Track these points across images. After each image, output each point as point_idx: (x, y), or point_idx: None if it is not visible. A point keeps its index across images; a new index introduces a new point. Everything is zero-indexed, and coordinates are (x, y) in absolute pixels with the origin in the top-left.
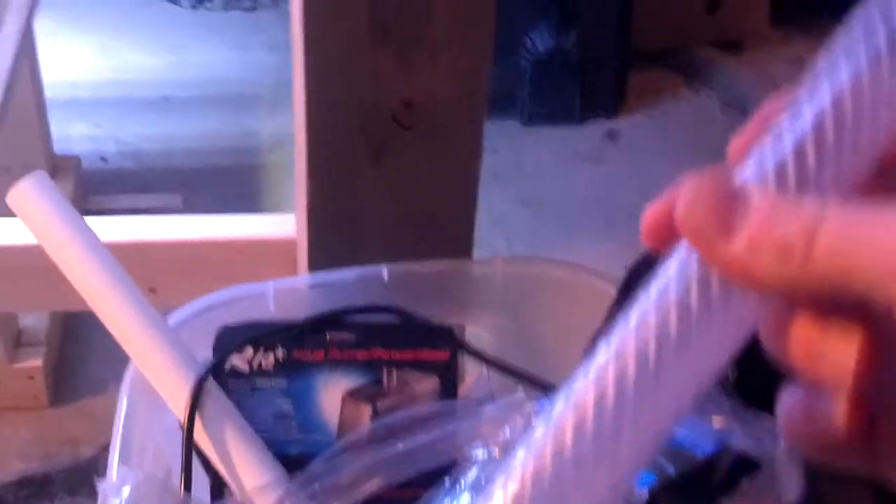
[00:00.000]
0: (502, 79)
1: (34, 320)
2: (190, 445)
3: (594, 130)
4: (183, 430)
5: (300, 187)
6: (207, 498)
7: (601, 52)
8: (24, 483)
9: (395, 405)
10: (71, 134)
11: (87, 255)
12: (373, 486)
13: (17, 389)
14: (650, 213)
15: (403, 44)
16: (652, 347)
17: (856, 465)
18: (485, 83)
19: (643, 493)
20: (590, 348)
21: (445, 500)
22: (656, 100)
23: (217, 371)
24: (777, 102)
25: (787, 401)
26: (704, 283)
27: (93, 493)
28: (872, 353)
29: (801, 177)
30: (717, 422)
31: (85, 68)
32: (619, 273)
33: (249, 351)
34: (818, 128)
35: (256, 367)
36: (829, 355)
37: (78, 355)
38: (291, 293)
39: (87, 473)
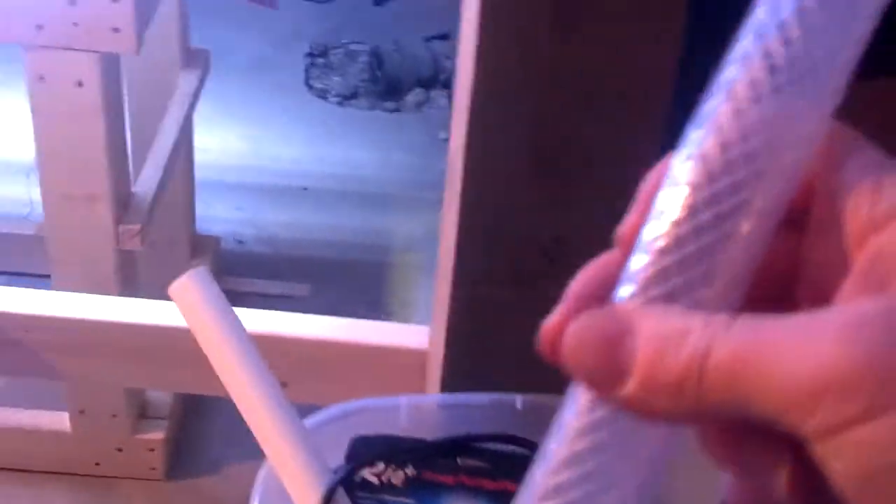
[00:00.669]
0: None
1: (160, 394)
2: None
3: None
4: None
5: (440, 303)
6: None
7: None
8: None
9: None
10: (212, 214)
11: (236, 352)
12: None
13: (137, 460)
14: (546, 332)
15: (565, 181)
16: None
17: None
18: None
19: None
20: None
21: None
22: None
23: (348, 481)
24: (656, 178)
25: (732, 484)
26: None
27: None
28: (803, 469)
29: (673, 290)
30: None
31: (232, 153)
32: None
33: (380, 465)
34: (679, 240)
35: (386, 481)
36: (758, 470)
37: (197, 432)
38: (424, 410)
39: None
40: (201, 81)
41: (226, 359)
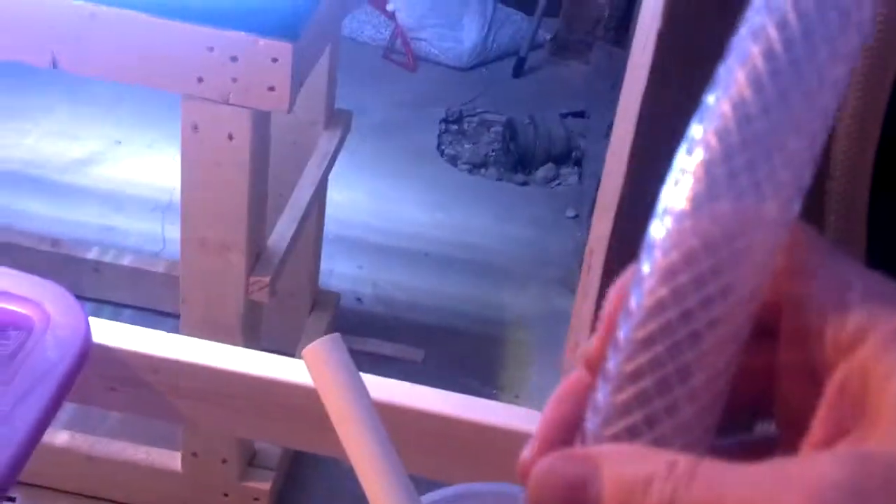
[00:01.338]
0: None
1: (269, 444)
2: None
3: None
4: None
5: None
6: None
7: None
8: None
9: None
10: (334, 269)
11: (362, 421)
12: None
13: None
14: (520, 466)
15: None
16: None
17: None
18: None
19: None
20: None
21: None
22: None
23: None
24: (617, 297)
25: None
26: None
27: None
28: None
29: (635, 424)
30: None
31: (359, 210)
32: None
33: None
34: (636, 373)
35: None
36: None
37: (302, 485)
38: None
39: None
40: (341, 141)
41: (350, 426)
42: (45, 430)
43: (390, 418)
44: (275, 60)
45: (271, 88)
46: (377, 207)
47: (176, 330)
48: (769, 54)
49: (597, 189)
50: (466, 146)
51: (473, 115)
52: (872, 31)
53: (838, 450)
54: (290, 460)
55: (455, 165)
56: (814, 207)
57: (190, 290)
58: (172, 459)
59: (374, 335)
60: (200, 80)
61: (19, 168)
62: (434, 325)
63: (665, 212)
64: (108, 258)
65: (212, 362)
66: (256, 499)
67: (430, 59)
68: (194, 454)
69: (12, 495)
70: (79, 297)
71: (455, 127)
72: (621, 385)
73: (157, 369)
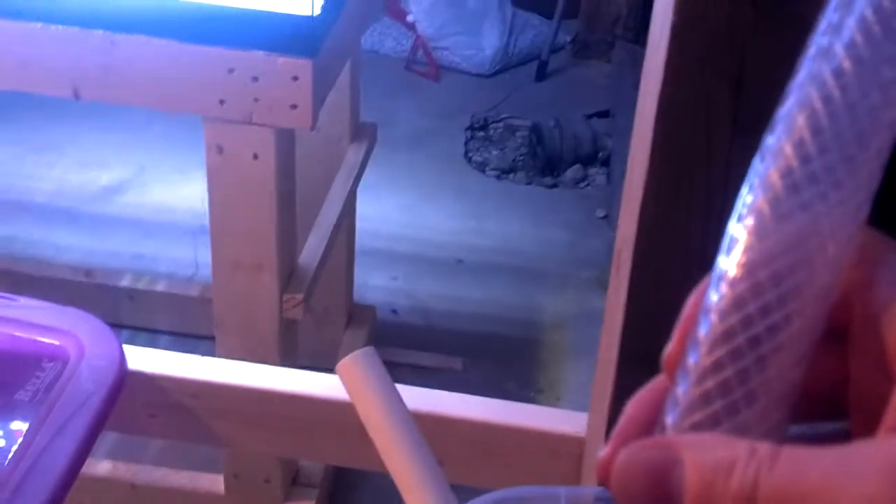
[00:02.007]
0: None
1: (312, 462)
2: None
3: None
4: None
5: (600, 389)
6: None
7: None
8: None
9: None
10: (368, 282)
11: (399, 432)
12: None
13: None
14: (599, 464)
15: None
16: None
17: None
18: None
19: None
20: None
21: None
22: None
23: None
24: (694, 301)
25: None
26: None
27: None
28: None
29: (716, 414)
30: None
31: (390, 222)
32: None
33: None
34: (717, 365)
35: None
36: None
37: (346, 501)
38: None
39: None
40: (368, 154)
41: (388, 438)
42: (84, 460)
43: (429, 428)
44: (295, 78)
45: (293, 106)
46: (408, 218)
47: (213, 353)
48: (826, 98)
49: None
50: (494, 152)
51: (499, 121)
52: None
53: None
54: (333, 477)
55: (483, 172)
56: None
57: (224, 311)
58: (215, 483)
59: (412, 346)
60: (222, 101)
61: (47, 200)
62: (471, 332)
63: (743, 215)
64: (141, 285)
65: (249, 382)
66: None
67: (453, 67)
68: (236, 476)
69: None
70: (115, 326)
71: (481, 134)
72: (702, 376)
73: (196, 393)
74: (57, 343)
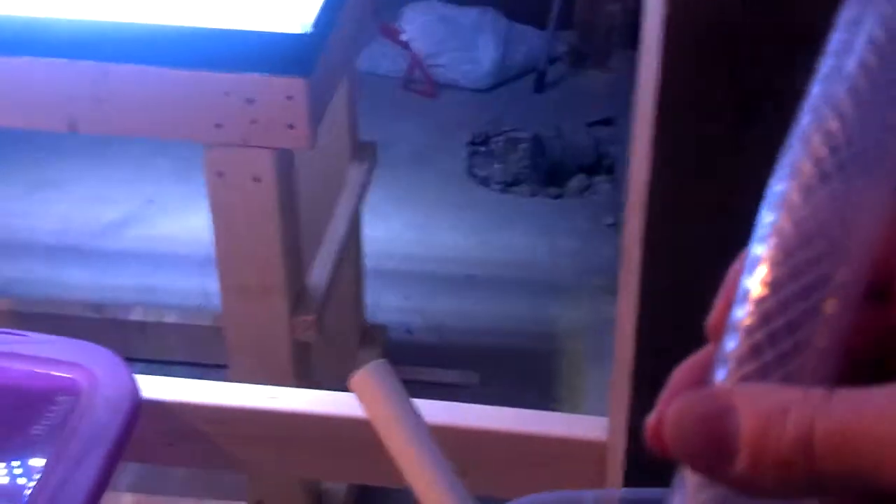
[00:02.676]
0: None
1: (335, 483)
2: None
3: None
4: None
5: (618, 393)
6: None
7: None
8: None
9: None
10: (381, 303)
11: (417, 443)
12: None
13: None
14: (649, 427)
15: None
16: None
17: None
18: None
19: None
20: None
21: None
22: None
23: None
24: (737, 270)
25: None
26: None
27: None
28: None
29: (766, 365)
30: None
31: (398, 242)
32: None
33: None
34: (766, 316)
35: None
36: None
37: None
38: None
39: None
40: (369, 173)
41: (406, 450)
42: (103, 492)
43: (449, 441)
44: (290, 98)
45: (290, 126)
46: (416, 237)
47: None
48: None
49: None
50: (496, 166)
51: (500, 135)
52: None
53: None
54: (356, 497)
55: (487, 186)
56: None
57: (235, 337)
58: None
59: (428, 364)
60: (219, 125)
61: (53, 239)
62: (486, 346)
63: (782, 179)
64: (152, 318)
65: (265, 405)
66: None
67: (450, 84)
68: (259, 502)
69: None
70: (128, 360)
71: (483, 148)
72: (751, 330)
73: (211, 419)
74: (69, 376)
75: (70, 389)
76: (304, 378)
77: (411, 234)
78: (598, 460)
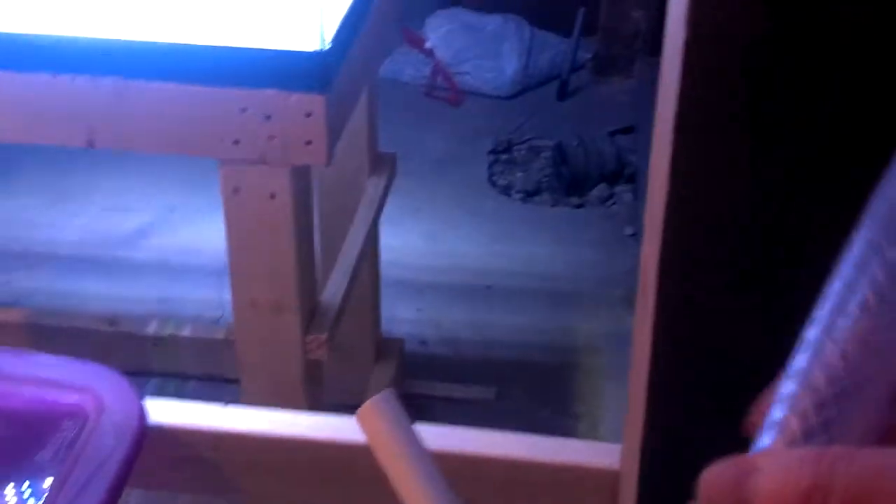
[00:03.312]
0: None
1: None
2: None
3: None
4: None
5: (632, 420)
6: None
7: None
8: None
9: None
10: (395, 314)
11: (420, 477)
12: None
13: None
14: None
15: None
16: None
17: None
18: None
19: None
20: None
21: None
22: None
23: None
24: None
25: None
26: None
27: None
28: None
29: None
30: None
31: (415, 252)
32: None
33: None
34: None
35: None
36: None
37: None
38: None
39: None
40: (388, 185)
41: (409, 483)
42: None
43: (456, 468)
44: (308, 115)
45: (308, 143)
46: (434, 247)
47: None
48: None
49: None
50: (518, 174)
51: (522, 143)
52: None
53: None
54: None
55: (509, 195)
56: None
57: (247, 354)
58: None
59: (443, 377)
60: (237, 142)
61: (72, 250)
62: (503, 359)
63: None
64: (167, 331)
65: (271, 431)
66: None
67: (473, 91)
68: None
69: None
70: (142, 374)
71: (505, 156)
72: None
73: (217, 445)
74: (75, 400)
75: (77, 414)
76: (316, 396)
77: (429, 244)
78: (611, 489)
